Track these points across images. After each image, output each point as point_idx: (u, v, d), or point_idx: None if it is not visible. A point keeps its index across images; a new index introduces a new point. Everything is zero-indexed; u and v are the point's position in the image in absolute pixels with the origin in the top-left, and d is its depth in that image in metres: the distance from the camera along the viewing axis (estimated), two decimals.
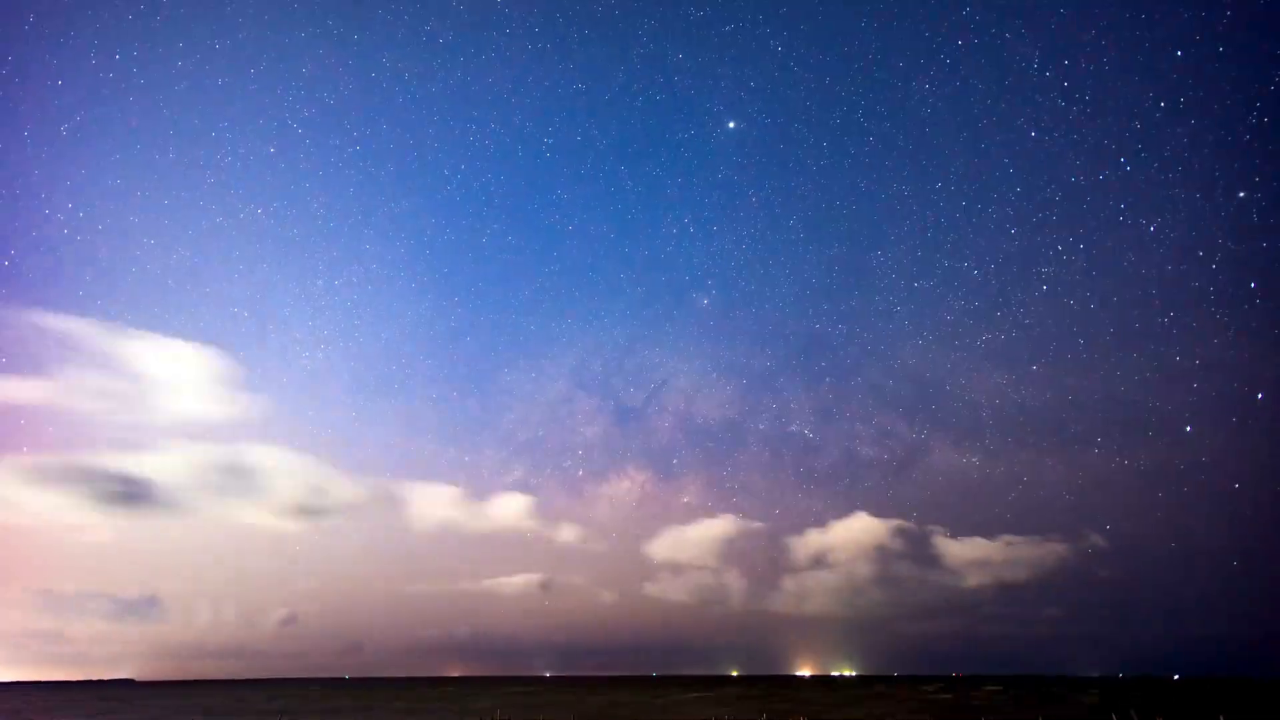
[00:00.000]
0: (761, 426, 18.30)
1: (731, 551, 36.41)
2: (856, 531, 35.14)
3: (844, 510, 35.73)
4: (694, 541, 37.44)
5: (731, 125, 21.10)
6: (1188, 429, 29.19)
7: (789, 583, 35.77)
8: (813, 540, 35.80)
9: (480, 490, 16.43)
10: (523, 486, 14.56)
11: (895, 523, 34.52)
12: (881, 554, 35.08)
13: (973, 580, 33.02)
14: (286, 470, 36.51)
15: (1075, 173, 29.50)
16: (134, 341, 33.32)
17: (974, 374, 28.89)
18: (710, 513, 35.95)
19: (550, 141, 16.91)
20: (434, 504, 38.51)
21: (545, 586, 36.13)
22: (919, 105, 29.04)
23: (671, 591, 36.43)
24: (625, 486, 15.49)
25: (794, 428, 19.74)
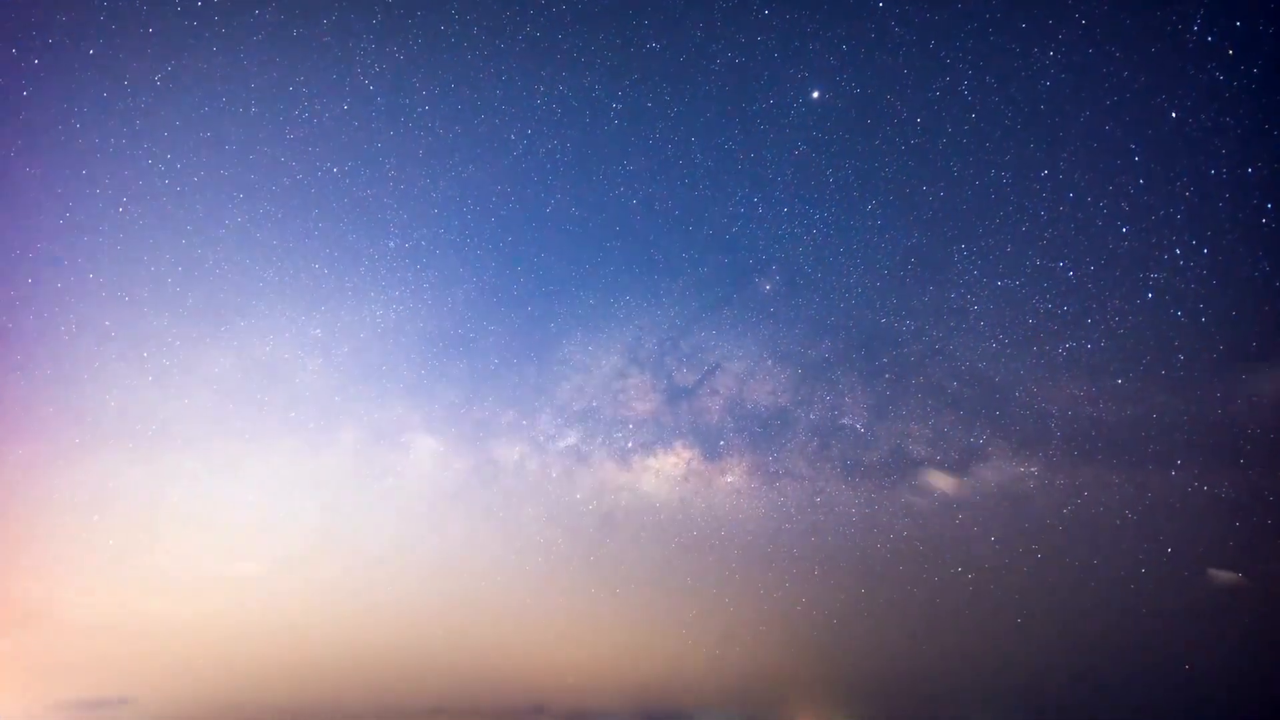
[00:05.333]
0: (812, 416, 17.89)
1: None
2: None
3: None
4: None
5: (815, 95, 18.15)
6: None
7: None
8: None
9: (536, 453, 17.29)
10: (575, 454, 15.25)
11: None
12: None
13: None
14: None
15: (1218, 164, 24.22)
16: None
17: (1048, 383, 26.25)
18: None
19: (619, 107, 15.17)
20: None
21: None
22: (1037, 77, 24.18)
23: None
24: (672, 462, 15.99)
25: (846, 420, 19.10)
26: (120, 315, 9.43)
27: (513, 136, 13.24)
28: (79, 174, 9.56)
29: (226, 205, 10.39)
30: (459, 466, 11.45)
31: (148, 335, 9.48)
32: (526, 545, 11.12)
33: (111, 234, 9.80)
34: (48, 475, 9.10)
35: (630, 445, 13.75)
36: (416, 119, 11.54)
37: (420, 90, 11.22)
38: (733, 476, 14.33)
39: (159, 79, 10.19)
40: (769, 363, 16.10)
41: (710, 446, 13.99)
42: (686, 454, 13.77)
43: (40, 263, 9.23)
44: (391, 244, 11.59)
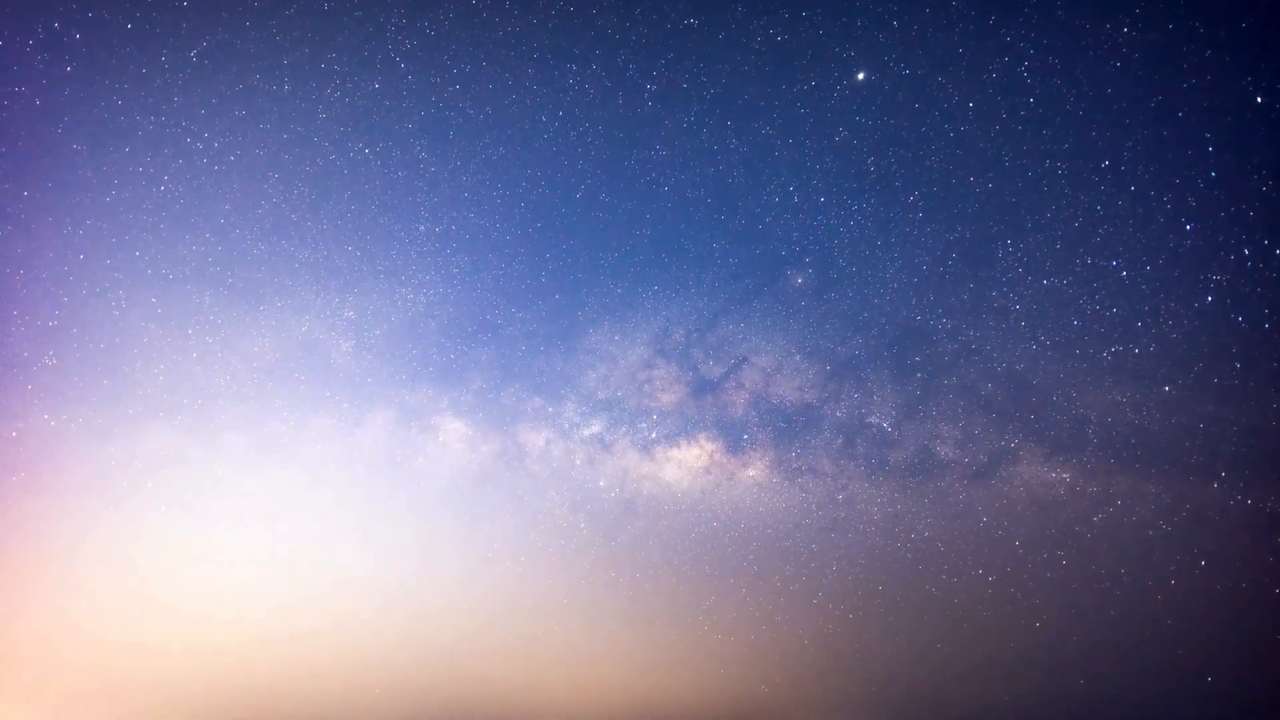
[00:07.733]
0: (839, 414, 17.27)
1: None
2: None
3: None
4: None
5: (860, 77, 16.91)
6: None
7: None
8: None
9: (561, 440, 17.40)
10: (599, 441, 15.33)
11: None
12: None
13: None
14: None
15: None
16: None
17: (1089, 388, 24.95)
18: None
19: (653, 89, 14.47)
20: None
21: None
22: (1107, 56, 21.96)
23: None
24: (694, 454, 16.04)
25: (873, 419, 18.59)
26: (165, 293, 9.79)
27: (544, 118, 12.90)
28: (122, 151, 9.76)
29: (262, 185, 10.56)
30: (486, 450, 11.71)
31: (191, 313, 9.84)
32: (550, 529, 11.38)
33: (154, 212, 10.06)
34: (105, 442, 9.63)
35: (654, 436, 13.72)
36: (447, 99, 11.39)
37: (451, 68, 11.05)
38: (754, 470, 14.22)
39: (195, 55, 10.21)
40: (797, 358, 15.59)
41: (733, 440, 13.87)
42: (709, 446, 13.69)
43: (91, 238, 9.57)
44: (422, 228, 11.65)
